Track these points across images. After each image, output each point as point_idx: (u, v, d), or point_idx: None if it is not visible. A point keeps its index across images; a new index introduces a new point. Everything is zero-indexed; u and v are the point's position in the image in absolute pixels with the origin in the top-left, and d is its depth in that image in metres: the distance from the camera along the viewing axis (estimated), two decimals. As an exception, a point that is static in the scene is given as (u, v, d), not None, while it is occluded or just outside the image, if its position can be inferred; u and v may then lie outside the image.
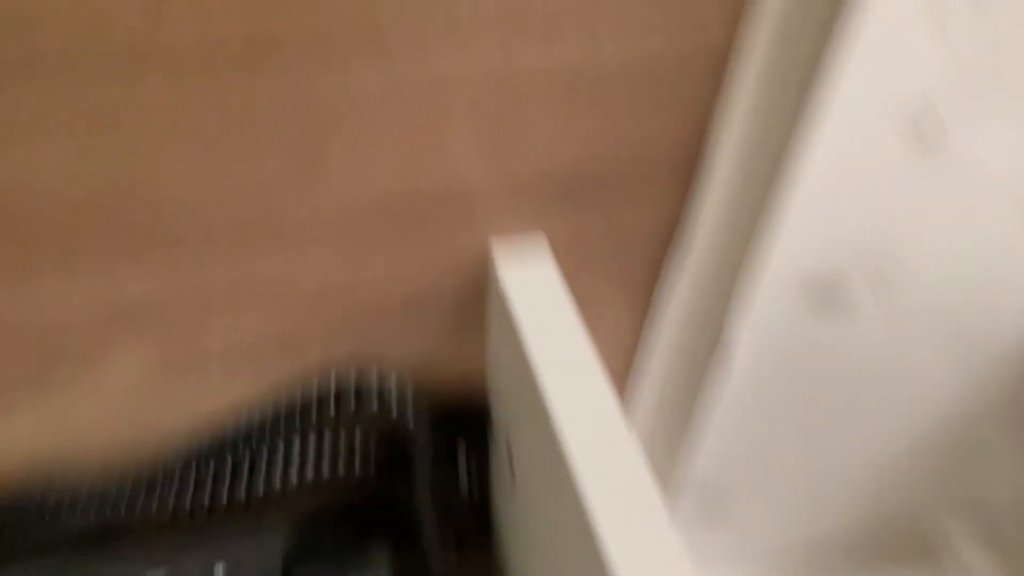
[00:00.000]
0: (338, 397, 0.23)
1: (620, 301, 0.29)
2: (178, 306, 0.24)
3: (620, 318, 0.29)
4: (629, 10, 0.23)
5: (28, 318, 0.23)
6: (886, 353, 0.29)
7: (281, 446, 0.23)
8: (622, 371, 0.31)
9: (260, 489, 0.23)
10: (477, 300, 0.25)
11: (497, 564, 0.30)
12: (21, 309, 0.23)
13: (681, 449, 0.31)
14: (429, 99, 0.23)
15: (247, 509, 0.23)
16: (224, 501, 0.23)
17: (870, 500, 0.38)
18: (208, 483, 0.23)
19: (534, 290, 0.22)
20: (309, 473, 0.23)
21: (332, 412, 0.23)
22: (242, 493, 0.23)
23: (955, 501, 0.39)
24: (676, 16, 0.23)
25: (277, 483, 0.23)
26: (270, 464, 0.23)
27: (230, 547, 0.25)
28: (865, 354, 0.29)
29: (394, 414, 0.23)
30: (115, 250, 0.23)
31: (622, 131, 0.26)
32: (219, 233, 0.23)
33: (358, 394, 0.23)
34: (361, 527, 0.26)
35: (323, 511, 0.26)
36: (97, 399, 0.23)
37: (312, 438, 0.23)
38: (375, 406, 0.23)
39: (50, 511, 0.23)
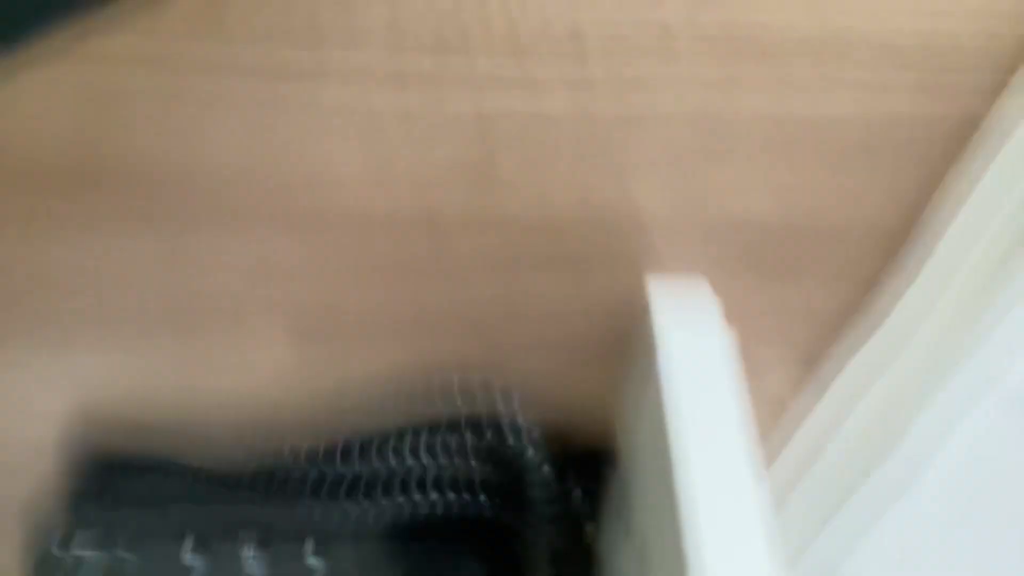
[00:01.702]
0: (473, 424, 0.23)
1: (783, 374, 0.26)
2: (321, 278, 0.23)
3: (779, 391, 0.26)
4: (877, 62, 0.21)
5: (176, 274, 0.23)
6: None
7: (406, 458, 0.23)
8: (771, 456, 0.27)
9: (373, 497, 0.23)
10: (624, 343, 0.24)
11: None
12: (169, 262, 0.23)
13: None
14: (623, 129, 0.22)
15: (355, 513, 0.24)
16: (333, 498, 0.23)
17: None
18: (323, 478, 0.23)
19: (691, 346, 0.20)
20: (428, 490, 0.23)
21: (462, 437, 0.23)
22: (352, 495, 0.23)
23: None
24: (930, 75, 0.21)
25: (394, 493, 0.23)
26: (389, 475, 0.23)
27: (330, 544, 0.25)
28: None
29: (522, 451, 0.23)
30: (272, 216, 0.23)
31: (838, 189, 0.23)
32: (379, 221, 0.23)
33: (493, 426, 0.23)
34: (465, 554, 0.26)
35: (431, 531, 0.25)
36: (232, 366, 0.23)
37: (439, 457, 0.23)
38: (508, 440, 0.23)
39: (175, 471, 0.24)
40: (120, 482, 0.24)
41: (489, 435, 0.23)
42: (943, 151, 0.23)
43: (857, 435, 0.25)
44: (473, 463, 0.24)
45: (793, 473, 0.28)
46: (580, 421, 0.26)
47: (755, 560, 0.17)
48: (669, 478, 0.19)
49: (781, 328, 0.25)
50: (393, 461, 0.23)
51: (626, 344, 0.23)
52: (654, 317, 0.21)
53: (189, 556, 0.26)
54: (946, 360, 0.23)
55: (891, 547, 0.29)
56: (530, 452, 0.23)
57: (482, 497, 0.24)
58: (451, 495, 0.24)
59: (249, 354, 0.25)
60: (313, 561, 0.26)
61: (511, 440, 0.23)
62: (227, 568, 0.26)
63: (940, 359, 0.23)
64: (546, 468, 0.23)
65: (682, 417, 0.19)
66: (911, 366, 0.24)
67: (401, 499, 0.23)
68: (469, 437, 0.23)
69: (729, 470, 0.18)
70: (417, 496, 0.24)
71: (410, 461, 0.23)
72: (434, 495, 0.23)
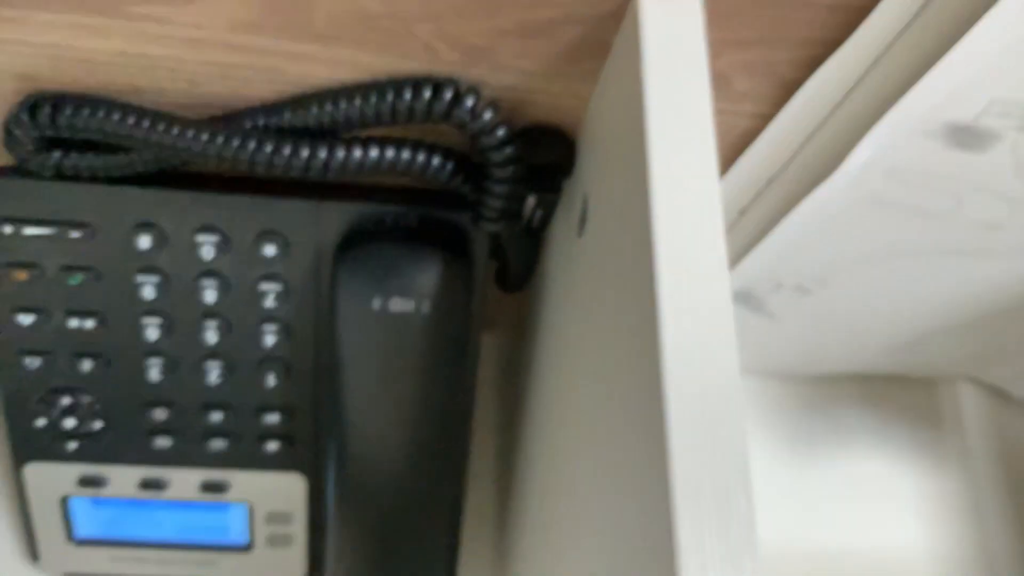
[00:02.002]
0: (435, 89, 0.22)
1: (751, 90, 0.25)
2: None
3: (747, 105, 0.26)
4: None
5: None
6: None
7: (360, 117, 0.22)
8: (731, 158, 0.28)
9: (328, 163, 0.23)
10: (603, 40, 0.22)
11: (533, 307, 0.31)
12: None
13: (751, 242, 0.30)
14: None
15: (309, 182, 0.24)
16: (288, 167, 0.23)
17: (901, 349, 0.38)
18: (277, 147, 0.22)
19: (671, 47, 0.19)
20: (384, 156, 0.23)
21: (423, 103, 0.22)
22: (307, 163, 0.23)
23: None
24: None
25: (349, 159, 0.23)
26: (348, 142, 0.23)
27: (286, 217, 0.26)
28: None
29: (483, 125, 0.22)
30: None
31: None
32: None
33: (455, 95, 0.22)
34: (420, 225, 0.26)
35: (388, 198, 0.26)
36: (189, 33, 0.21)
37: (396, 116, 0.22)
38: (467, 108, 0.22)
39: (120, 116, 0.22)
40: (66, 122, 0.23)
41: (448, 95, 0.22)
42: None
43: (810, 155, 0.27)
44: (429, 124, 0.23)
45: (745, 189, 0.29)
46: (545, 119, 0.25)
47: (710, 255, 0.18)
48: (638, 167, 0.19)
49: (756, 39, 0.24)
50: (345, 111, 0.22)
51: (606, 45, 0.22)
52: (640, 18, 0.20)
53: (143, 239, 0.26)
54: (896, 90, 0.24)
55: (821, 254, 0.31)
56: (488, 114, 0.22)
57: (435, 159, 0.23)
58: (405, 152, 0.23)
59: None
60: (270, 250, 0.27)
61: (469, 102, 0.22)
62: (181, 253, 0.27)
63: (892, 89, 0.24)
64: (502, 132, 0.22)
65: (656, 109, 0.19)
66: (864, 98, 0.25)
67: (357, 151, 0.23)
68: (427, 97, 0.22)
69: (694, 169, 0.19)
70: (372, 150, 0.23)
71: (366, 112, 0.22)
72: (390, 150, 0.23)
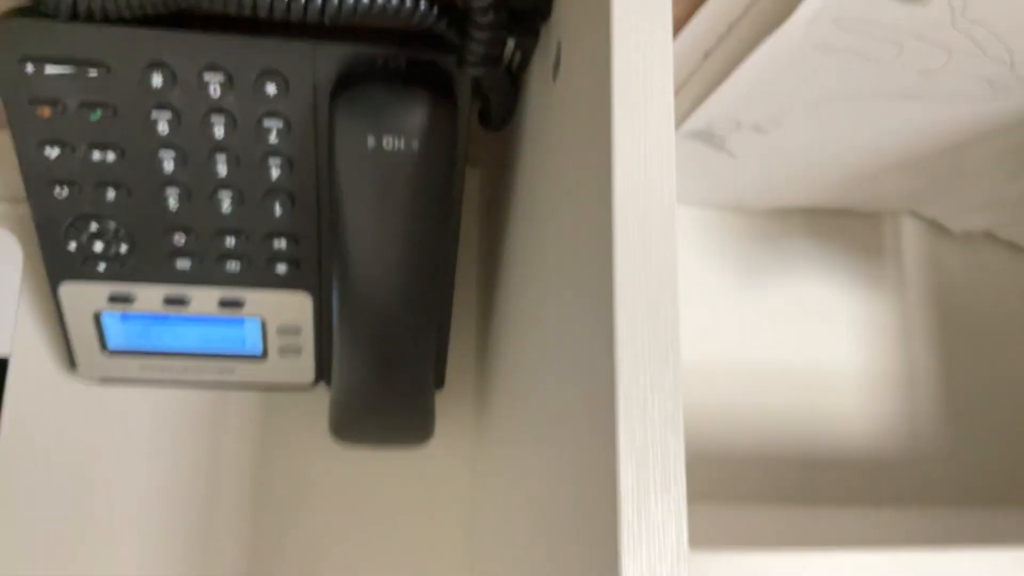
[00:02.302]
0: None
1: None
2: None
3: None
4: None
5: None
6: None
7: None
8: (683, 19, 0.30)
9: (324, 5, 0.25)
10: None
11: (512, 146, 0.34)
12: None
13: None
14: None
15: (308, 25, 0.26)
16: (287, 10, 0.25)
17: (848, 184, 0.42)
18: None
19: None
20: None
21: None
22: (305, 5, 0.25)
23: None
24: None
25: (343, 2, 0.25)
26: None
27: (284, 57, 0.29)
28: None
29: None
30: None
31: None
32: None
33: None
34: (409, 68, 0.29)
35: (379, 41, 0.29)
36: None
37: None
38: None
39: None
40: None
41: None
42: None
43: (767, 3, 0.29)
44: None
45: (709, 33, 0.32)
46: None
47: (660, 103, 0.21)
48: (601, 17, 0.22)
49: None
50: None
51: None
52: None
53: (156, 77, 0.29)
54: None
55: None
56: None
57: (422, 4, 0.25)
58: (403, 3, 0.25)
59: None
60: (271, 89, 0.29)
61: None
62: (190, 90, 0.29)
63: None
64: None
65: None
66: None
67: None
68: None
69: (651, 19, 0.21)
70: None
71: None
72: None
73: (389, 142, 0.29)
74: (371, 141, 0.29)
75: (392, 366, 0.35)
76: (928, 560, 0.21)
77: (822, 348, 0.46)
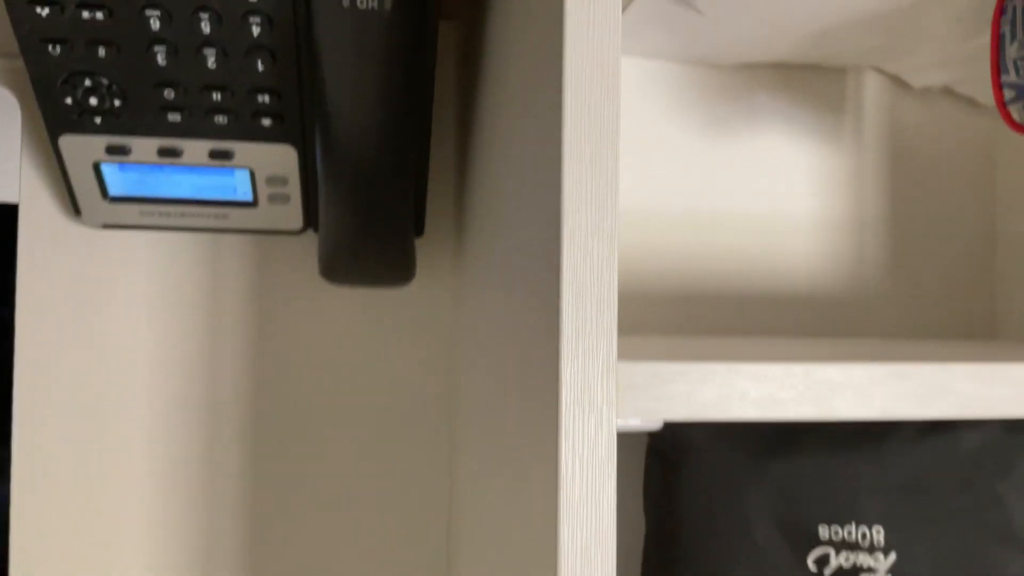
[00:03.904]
0: None
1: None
2: None
3: None
4: None
5: None
6: None
7: None
8: None
9: None
10: None
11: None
12: None
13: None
14: None
15: None
16: None
17: (813, 39, 0.43)
18: None
19: None
20: None
21: None
22: None
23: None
24: None
25: None
26: None
27: None
28: None
29: None
30: None
31: None
32: None
33: None
34: None
35: None
36: None
37: None
38: None
39: None
40: None
41: None
42: None
43: None
44: None
45: None
46: None
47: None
48: None
49: None
50: None
51: None
52: None
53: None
54: None
55: None
56: None
57: None
58: None
59: None
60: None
61: None
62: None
63: None
64: None
65: None
66: None
67: None
68: None
69: None
70: None
71: None
72: None
73: (363, 2, 0.30)
74: (346, 1, 0.30)
75: (373, 212, 0.38)
76: (827, 371, 0.25)
77: (778, 196, 0.49)
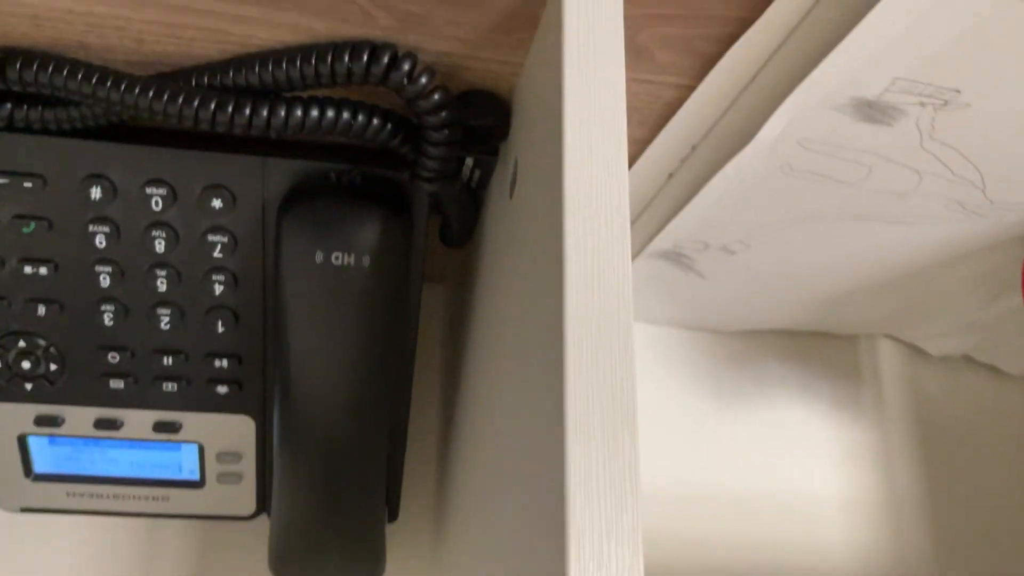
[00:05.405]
0: (372, 53, 0.23)
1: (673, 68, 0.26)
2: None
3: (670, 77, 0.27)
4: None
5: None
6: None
7: (301, 78, 0.24)
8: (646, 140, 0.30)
9: (269, 120, 0.24)
10: (533, 13, 0.24)
11: (471, 262, 0.33)
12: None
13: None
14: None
15: (252, 140, 0.25)
16: (231, 125, 0.24)
17: (821, 307, 0.41)
18: (220, 104, 0.24)
19: (590, 20, 0.21)
20: (324, 115, 0.24)
21: (361, 66, 0.23)
22: (250, 120, 0.24)
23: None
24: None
25: (290, 118, 0.24)
26: (289, 101, 0.24)
27: (232, 172, 0.27)
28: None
29: (419, 89, 0.24)
30: None
31: None
32: None
33: (392, 59, 0.23)
34: (363, 183, 0.28)
35: (331, 156, 0.28)
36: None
37: (335, 83, 0.24)
38: (403, 72, 0.23)
39: (68, 72, 0.23)
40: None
41: (385, 59, 0.23)
42: None
43: (729, 125, 0.28)
44: (367, 87, 0.24)
45: (672, 155, 0.31)
46: (481, 84, 0.27)
47: (615, 221, 0.20)
48: (555, 134, 0.21)
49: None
50: (286, 72, 0.23)
51: (536, 17, 0.24)
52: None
53: (94, 190, 0.27)
54: (804, 67, 0.26)
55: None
56: (423, 79, 0.23)
57: (375, 120, 0.25)
58: (345, 112, 0.24)
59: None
60: (216, 203, 0.28)
61: (406, 66, 0.23)
62: (131, 204, 0.28)
63: (801, 65, 0.26)
64: (438, 96, 0.24)
65: (571, 79, 0.21)
66: (776, 73, 0.26)
67: (297, 110, 0.24)
68: (364, 60, 0.23)
69: (604, 135, 0.21)
70: (313, 109, 0.24)
71: (307, 74, 0.24)
72: (330, 110, 0.24)
73: (338, 257, 0.27)
74: (320, 256, 0.27)
75: (339, 497, 0.32)
76: None
77: (800, 474, 0.43)
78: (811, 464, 0.43)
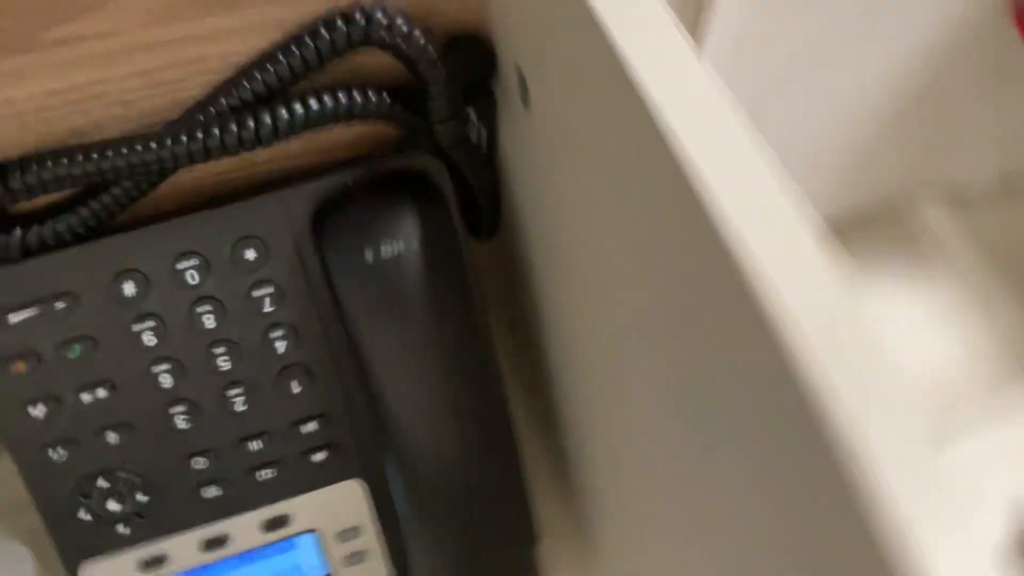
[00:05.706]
0: (345, 18, 0.23)
1: None
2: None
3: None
4: None
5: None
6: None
7: (291, 72, 0.24)
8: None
9: (275, 124, 0.24)
10: None
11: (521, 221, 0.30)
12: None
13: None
14: None
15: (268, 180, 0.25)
16: (240, 142, 0.23)
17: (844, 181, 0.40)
18: (224, 125, 0.23)
19: None
20: (326, 103, 0.24)
21: (342, 34, 0.23)
22: (257, 130, 0.24)
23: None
24: None
25: (294, 116, 0.24)
26: (287, 101, 0.24)
27: (255, 217, 0.26)
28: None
29: (403, 34, 0.23)
30: None
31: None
32: None
33: (366, 16, 0.23)
34: (383, 179, 0.27)
35: (345, 166, 0.27)
36: (106, 45, 0.22)
37: (325, 61, 0.24)
38: (381, 22, 0.23)
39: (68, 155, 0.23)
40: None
41: (360, 18, 0.23)
42: None
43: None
44: (358, 52, 0.24)
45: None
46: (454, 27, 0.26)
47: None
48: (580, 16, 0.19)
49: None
50: (275, 72, 0.24)
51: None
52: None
53: (127, 287, 0.27)
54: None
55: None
56: (400, 21, 0.23)
57: (371, 94, 0.24)
58: (342, 95, 0.24)
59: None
60: (250, 255, 0.27)
61: (380, 15, 0.23)
62: (167, 288, 0.27)
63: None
64: (420, 34, 0.23)
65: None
66: None
67: (298, 106, 0.24)
68: (342, 27, 0.23)
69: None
70: (312, 101, 0.24)
71: (294, 65, 0.24)
72: (328, 99, 0.24)
73: (388, 248, 0.26)
74: (369, 254, 0.26)
75: (484, 537, 0.29)
76: None
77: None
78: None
